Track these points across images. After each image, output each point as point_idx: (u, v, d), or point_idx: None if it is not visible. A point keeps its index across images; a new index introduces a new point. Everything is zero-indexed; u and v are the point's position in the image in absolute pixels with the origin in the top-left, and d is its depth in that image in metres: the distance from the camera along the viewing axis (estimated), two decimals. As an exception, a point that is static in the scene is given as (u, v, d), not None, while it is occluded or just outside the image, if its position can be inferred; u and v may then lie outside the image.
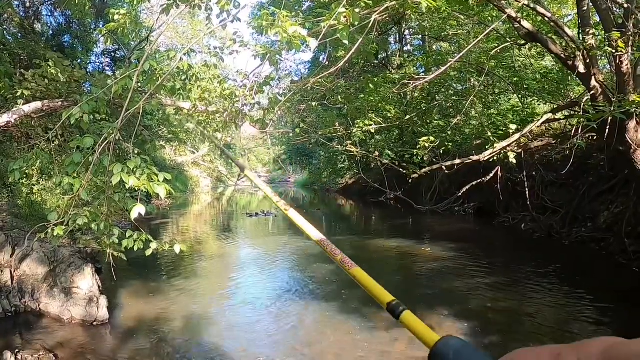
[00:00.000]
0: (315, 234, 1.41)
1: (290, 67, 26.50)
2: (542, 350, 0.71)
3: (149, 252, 5.12)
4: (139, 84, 5.42)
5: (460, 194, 13.36)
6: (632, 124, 7.24)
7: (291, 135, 11.77)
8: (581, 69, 7.50)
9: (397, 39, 25.41)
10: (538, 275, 8.24)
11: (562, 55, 7.77)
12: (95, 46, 20.82)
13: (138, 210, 4.01)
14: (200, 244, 12.35)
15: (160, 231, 13.54)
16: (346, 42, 4.40)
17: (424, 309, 6.53)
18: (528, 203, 12.30)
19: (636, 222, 8.82)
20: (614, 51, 6.75)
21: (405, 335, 5.64)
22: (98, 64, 22.80)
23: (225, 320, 6.41)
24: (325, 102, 11.33)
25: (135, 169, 4.14)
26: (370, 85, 11.42)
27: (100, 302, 6.14)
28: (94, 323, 5.97)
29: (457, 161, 8.41)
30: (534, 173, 12.93)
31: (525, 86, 11.15)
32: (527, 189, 12.28)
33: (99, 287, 6.53)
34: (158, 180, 4.21)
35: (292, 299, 7.36)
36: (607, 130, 7.09)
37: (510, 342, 5.45)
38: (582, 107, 7.68)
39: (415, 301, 7.03)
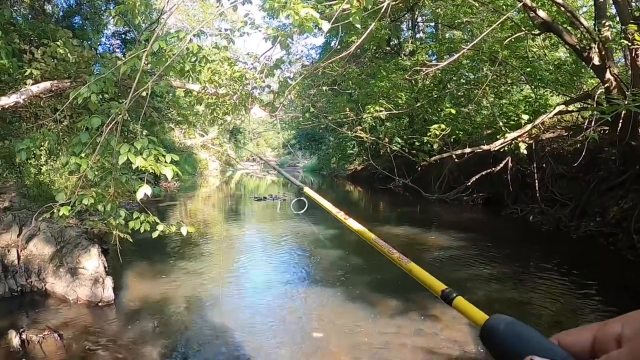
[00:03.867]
0: (370, 235, 1.52)
1: (302, 51, 26.35)
2: (588, 325, 0.74)
3: (155, 234, 5.11)
4: (148, 65, 5.37)
5: (469, 183, 13.29)
6: (645, 119, 7.15)
7: (301, 119, 11.71)
8: (596, 60, 7.41)
9: (410, 25, 25.20)
10: (545, 267, 8.19)
11: (577, 47, 7.67)
12: (105, 28, 20.65)
13: (144, 190, 3.99)
14: (208, 227, 12.35)
15: (168, 213, 13.55)
16: (358, 26, 4.33)
17: (430, 298, 6.49)
18: (537, 195, 12.20)
19: None
20: (630, 44, 6.65)
21: (411, 321, 5.64)
22: (108, 45, 22.67)
23: (230, 303, 6.40)
24: (336, 87, 11.26)
25: (142, 150, 4.11)
26: (382, 71, 11.33)
27: (106, 283, 6.14)
28: (99, 304, 5.97)
29: (468, 150, 8.35)
30: (544, 165, 12.81)
31: (538, 77, 11.03)
32: (536, 181, 12.17)
33: (105, 267, 6.53)
34: (165, 161, 4.18)
35: (297, 283, 7.36)
36: (620, 124, 7.01)
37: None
38: (595, 99, 7.59)
39: (421, 289, 6.99)
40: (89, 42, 11.02)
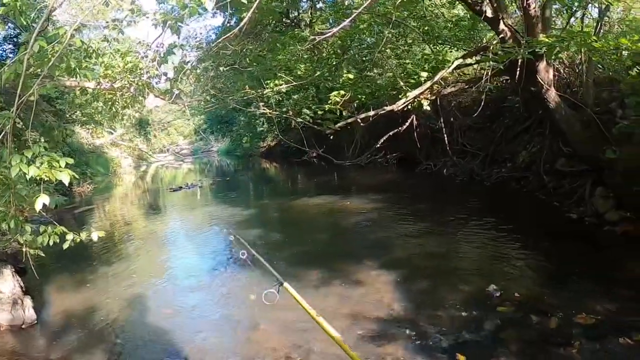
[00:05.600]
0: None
1: (200, 33, 25.74)
2: None
3: (66, 245, 4.91)
4: (32, 68, 5.09)
5: (379, 145, 13.52)
6: (542, 64, 7.45)
7: (202, 103, 11.49)
8: (489, 13, 7.62)
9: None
10: (462, 217, 8.51)
11: (469, 1, 7.86)
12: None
13: (42, 201, 3.81)
14: (128, 226, 12.00)
15: (86, 218, 13.05)
16: (244, 0, 4.27)
17: (353, 263, 6.62)
18: (447, 149, 12.61)
19: (553, 160, 9.23)
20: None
21: (336, 289, 5.72)
22: (0, 52, 21.41)
23: (158, 300, 6.26)
24: (236, 66, 11.10)
25: (34, 158, 3.91)
26: (278, 44, 11.25)
27: (25, 304, 5.85)
28: (22, 326, 5.66)
29: (371, 113, 8.44)
30: (451, 119, 13.24)
31: (436, 34, 11.26)
32: (445, 135, 12.58)
33: (21, 287, 6.21)
34: (60, 166, 4.00)
35: (221, 270, 7.31)
36: (518, 72, 7.27)
37: (440, 285, 5.61)
38: (491, 50, 7.82)
39: (343, 256, 7.12)
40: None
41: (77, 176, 4.18)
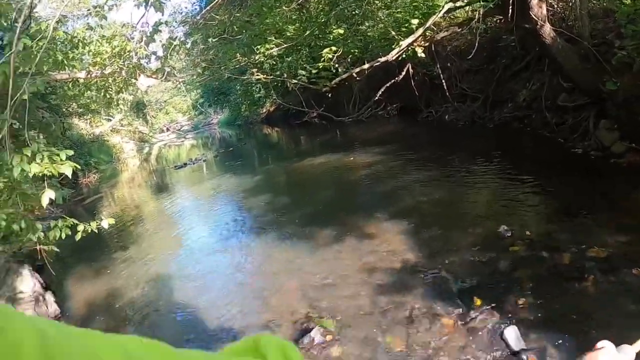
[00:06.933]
0: None
1: (185, 7, 25.37)
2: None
3: (78, 236, 4.96)
4: (21, 68, 5.06)
5: (377, 97, 13.45)
6: (534, 0, 7.31)
7: (196, 77, 11.42)
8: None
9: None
10: (468, 161, 8.48)
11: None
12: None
13: (48, 196, 3.85)
14: (137, 209, 12.06)
15: (96, 207, 13.10)
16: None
17: (364, 216, 6.65)
18: (447, 94, 12.52)
19: (554, 96, 9.10)
20: None
21: (349, 244, 5.78)
22: None
23: (177, 275, 6.30)
24: (225, 35, 10.98)
25: (34, 155, 3.93)
26: (264, 8, 11.10)
27: (47, 299, 5.95)
28: (48, 322, 5.79)
29: (366, 66, 8.38)
30: (448, 64, 13.10)
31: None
32: (443, 81, 12.47)
33: (41, 284, 6.29)
34: (61, 159, 4.01)
35: (236, 237, 7.38)
36: (510, 10, 7.15)
37: (451, 230, 5.63)
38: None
39: (353, 211, 7.15)
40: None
41: (79, 167, 4.20)
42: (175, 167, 18.04)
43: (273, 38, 9.66)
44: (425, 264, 4.86)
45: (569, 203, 5.82)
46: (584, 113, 8.13)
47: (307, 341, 3.91)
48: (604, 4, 8.77)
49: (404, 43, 8.21)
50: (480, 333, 3.60)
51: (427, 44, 9.53)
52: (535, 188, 6.59)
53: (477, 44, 8.29)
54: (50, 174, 3.93)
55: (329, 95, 9.03)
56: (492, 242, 5.03)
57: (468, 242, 5.16)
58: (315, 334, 3.95)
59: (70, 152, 4.15)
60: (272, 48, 8.99)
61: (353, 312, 4.21)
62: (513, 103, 10.81)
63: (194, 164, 17.59)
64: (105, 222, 4.87)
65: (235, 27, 11.23)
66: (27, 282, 6.15)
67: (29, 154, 3.89)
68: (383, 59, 8.29)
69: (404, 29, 9.40)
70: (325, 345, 3.87)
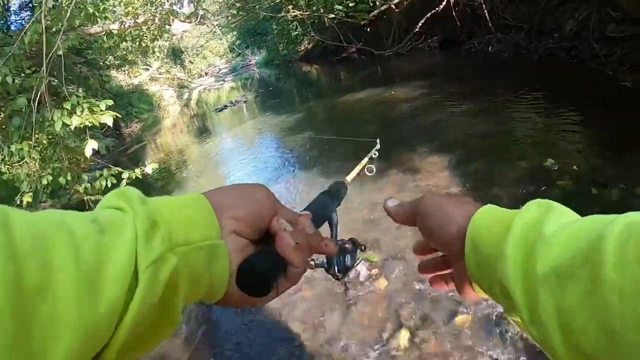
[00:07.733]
0: None
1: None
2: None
3: (123, 184, 5.01)
4: (54, 26, 5.04)
5: (417, 29, 13.04)
6: None
7: (231, 19, 11.27)
8: None
9: None
10: (512, 94, 8.20)
11: None
12: (8, 2, 19.36)
13: (90, 146, 3.87)
14: (181, 154, 12.18)
15: (141, 155, 13.29)
16: None
17: (406, 151, 6.53)
18: (490, 25, 12.05)
19: (602, 26, 8.63)
20: None
21: (394, 183, 5.69)
22: (20, 21, 21.31)
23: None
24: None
25: (74, 108, 3.92)
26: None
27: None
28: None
29: (405, -4, 8.09)
30: (490, -7, 12.58)
31: None
32: (486, 11, 11.98)
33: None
34: (101, 110, 4.01)
35: (282, 177, 7.36)
36: None
37: (496, 163, 5.48)
38: None
39: (395, 145, 7.02)
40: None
41: (120, 116, 4.20)
42: (215, 110, 18.05)
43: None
44: (471, 197, 4.76)
45: (617, 139, 5.56)
46: (634, 44, 7.71)
47: (352, 275, 3.89)
48: None
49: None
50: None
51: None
52: (583, 122, 6.32)
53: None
54: (92, 124, 3.94)
55: (368, 29, 8.79)
56: (539, 176, 4.88)
57: (514, 176, 5.02)
58: (361, 268, 3.93)
59: (110, 102, 4.14)
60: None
61: (398, 248, 4.16)
62: (559, 33, 10.30)
63: (234, 105, 17.53)
64: (149, 168, 4.91)
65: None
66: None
67: (69, 107, 3.89)
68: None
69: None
70: (372, 279, 3.86)
